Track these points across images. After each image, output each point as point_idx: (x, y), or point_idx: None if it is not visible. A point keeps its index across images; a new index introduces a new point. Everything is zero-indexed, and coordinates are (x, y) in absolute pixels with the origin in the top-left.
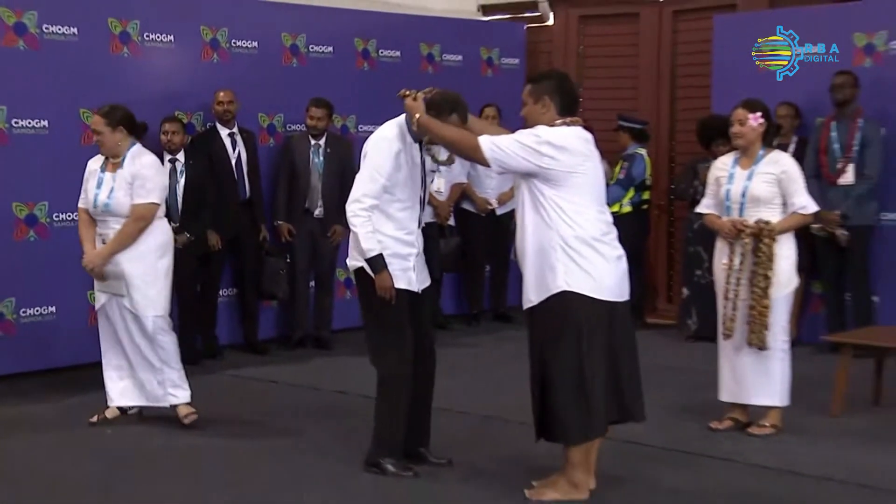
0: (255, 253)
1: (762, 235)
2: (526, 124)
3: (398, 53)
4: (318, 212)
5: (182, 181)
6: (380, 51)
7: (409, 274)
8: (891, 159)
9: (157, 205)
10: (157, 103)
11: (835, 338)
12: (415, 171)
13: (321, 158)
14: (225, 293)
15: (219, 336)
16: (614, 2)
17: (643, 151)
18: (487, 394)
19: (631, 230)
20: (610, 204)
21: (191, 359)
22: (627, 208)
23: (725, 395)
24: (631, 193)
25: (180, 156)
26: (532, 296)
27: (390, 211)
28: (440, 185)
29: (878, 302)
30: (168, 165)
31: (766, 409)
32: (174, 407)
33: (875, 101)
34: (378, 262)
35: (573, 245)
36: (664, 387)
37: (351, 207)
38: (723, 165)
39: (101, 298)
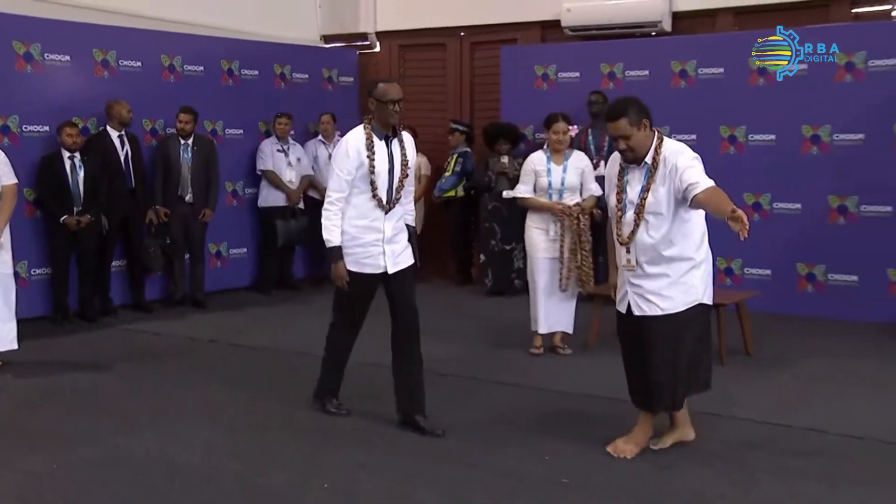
0: (139, 232)
1: (580, 214)
2: (636, 152)
3: (257, 72)
4: (188, 197)
5: (81, 174)
6: (242, 70)
7: (372, 259)
8: None
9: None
10: (56, 111)
11: (592, 291)
12: (381, 165)
13: (189, 155)
14: (118, 264)
15: (112, 298)
16: (426, 35)
17: (468, 149)
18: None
19: (464, 210)
20: (447, 191)
21: (90, 316)
22: (462, 193)
23: (541, 327)
24: (463, 182)
25: (78, 154)
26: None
27: (354, 201)
28: (292, 176)
29: None
30: (69, 161)
31: (566, 336)
32: None
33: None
34: (333, 253)
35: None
36: (476, 329)
37: (324, 205)
38: (539, 161)
39: None
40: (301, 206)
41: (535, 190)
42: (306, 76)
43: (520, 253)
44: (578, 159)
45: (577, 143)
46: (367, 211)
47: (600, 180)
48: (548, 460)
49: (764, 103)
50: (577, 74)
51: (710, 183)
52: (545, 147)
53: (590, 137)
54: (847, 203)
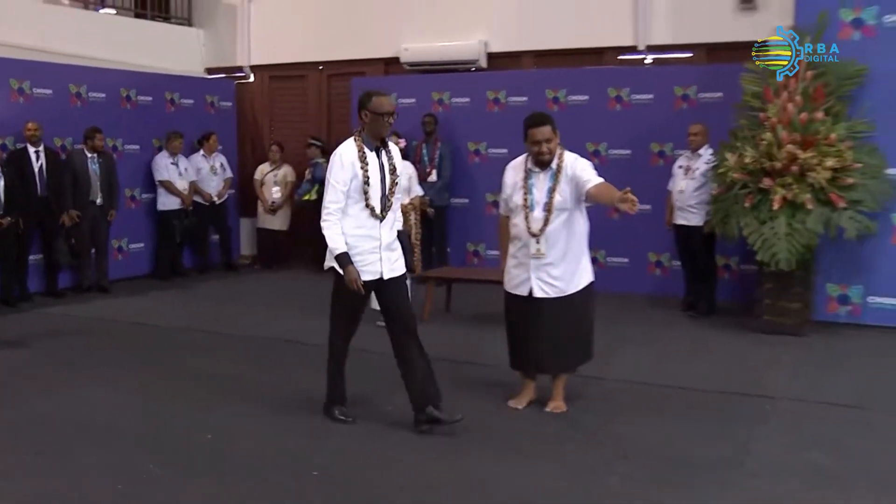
0: (51, 232)
1: (411, 211)
2: (550, 155)
3: (150, 98)
4: (98, 200)
5: (2, 183)
6: (138, 97)
7: (370, 266)
8: (457, 165)
9: None
10: None
11: (426, 273)
12: (374, 175)
13: (96, 165)
14: (35, 257)
15: (30, 286)
16: (291, 68)
17: (323, 160)
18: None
19: (318, 210)
20: (302, 196)
21: (11, 302)
22: (315, 197)
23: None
24: (317, 187)
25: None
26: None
27: (351, 211)
28: (183, 184)
29: (450, 252)
30: None
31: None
32: None
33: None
34: (342, 259)
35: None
36: (328, 304)
37: (322, 216)
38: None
39: None
40: (190, 207)
41: None
42: (192, 101)
43: None
44: (406, 167)
45: (413, 155)
46: (364, 220)
47: (426, 186)
48: (390, 409)
49: (559, 125)
50: (414, 100)
51: (601, 179)
52: None
53: (423, 150)
54: None
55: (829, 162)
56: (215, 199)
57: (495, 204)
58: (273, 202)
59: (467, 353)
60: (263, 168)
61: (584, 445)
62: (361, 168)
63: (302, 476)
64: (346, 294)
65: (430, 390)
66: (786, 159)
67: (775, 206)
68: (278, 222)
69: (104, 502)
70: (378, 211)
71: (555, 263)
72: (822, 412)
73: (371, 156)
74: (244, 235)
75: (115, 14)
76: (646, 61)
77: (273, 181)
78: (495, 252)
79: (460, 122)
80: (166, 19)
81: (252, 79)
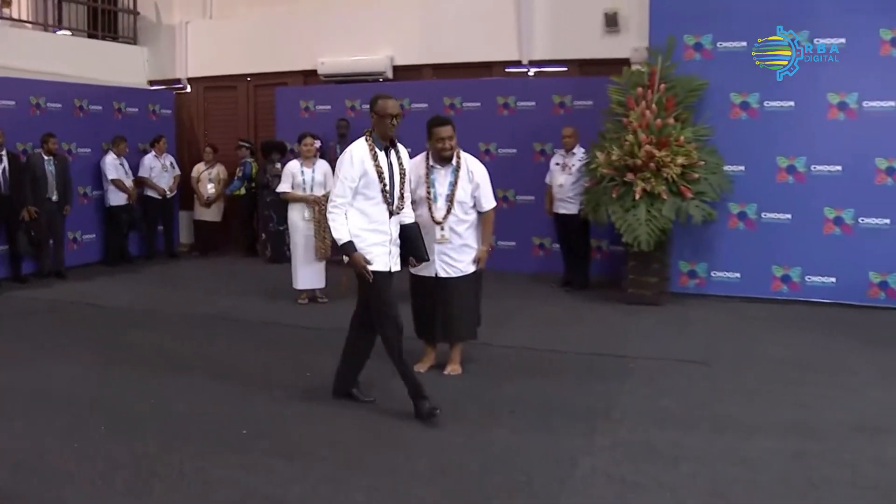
0: (14, 226)
1: (325, 202)
2: (452, 151)
3: (100, 107)
4: (54, 198)
5: None
6: (90, 106)
7: (380, 259)
8: None
9: None
10: None
11: (340, 257)
12: (387, 173)
13: (52, 167)
14: (1, 248)
15: None
16: (223, 80)
17: (251, 160)
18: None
19: (250, 203)
20: (233, 191)
21: None
22: (243, 192)
23: (302, 284)
24: (245, 184)
25: None
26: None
27: (364, 208)
28: (129, 182)
29: None
30: None
31: (321, 291)
32: None
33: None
34: (348, 247)
35: None
36: (259, 287)
37: (328, 208)
38: (294, 166)
39: None
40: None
41: (293, 186)
42: (136, 110)
43: (289, 231)
44: (322, 164)
45: (328, 154)
46: (376, 215)
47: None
48: (308, 376)
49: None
50: (329, 107)
51: (493, 204)
52: (300, 156)
53: (338, 150)
54: (507, 194)
55: (680, 160)
56: (167, 193)
57: None
58: (208, 197)
59: None
60: (199, 167)
61: (477, 402)
62: (375, 166)
63: (232, 433)
64: (376, 288)
65: (358, 373)
66: (645, 157)
67: (637, 197)
68: (212, 214)
69: (61, 459)
70: (392, 207)
71: (455, 247)
72: (674, 368)
73: (381, 155)
74: (183, 226)
75: (70, 35)
76: (529, 73)
77: (208, 178)
78: None
79: (370, 126)
80: (115, 39)
81: (189, 89)
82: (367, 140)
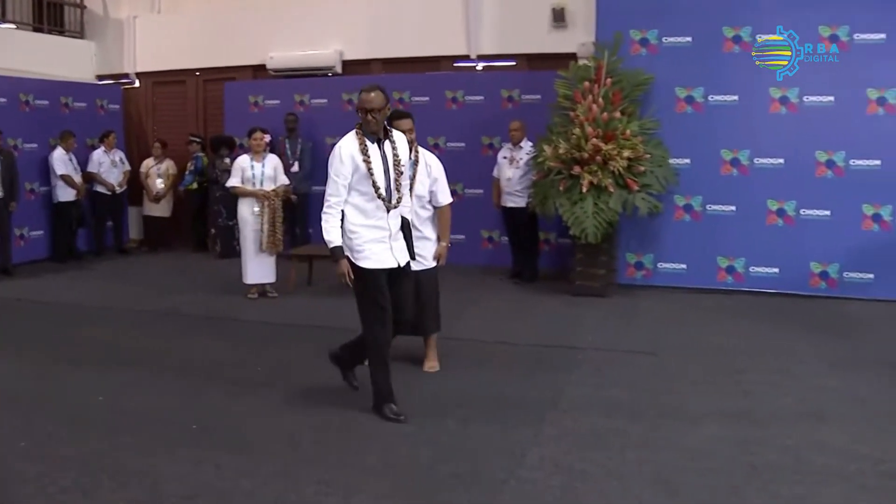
0: None
1: (275, 197)
2: (412, 145)
3: (47, 102)
4: (0, 194)
5: None
6: (36, 101)
7: (383, 255)
8: (315, 159)
9: None
10: None
11: (292, 251)
12: (377, 166)
13: None
14: None
15: None
16: (172, 74)
17: (203, 154)
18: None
19: (200, 197)
20: (186, 186)
21: None
22: (195, 186)
23: (251, 279)
24: (198, 178)
25: None
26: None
27: (359, 203)
28: (78, 178)
29: (311, 232)
30: None
31: (271, 286)
32: None
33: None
34: (335, 252)
35: None
36: (210, 282)
37: (323, 209)
38: (244, 161)
39: None
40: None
41: (243, 181)
42: (84, 105)
43: (238, 226)
44: (272, 158)
45: (278, 149)
46: (371, 211)
47: (290, 176)
48: (259, 370)
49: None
50: (278, 101)
51: (450, 199)
52: (250, 151)
53: (287, 144)
54: (456, 188)
55: (626, 153)
56: (117, 189)
57: None
58: (157, 192)
59: (327, 319)
60: (148, 162)
61: (427, 395)
62: (364, 160)
63: (182, 428)
64: (365, 288)
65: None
66: (591, 150)
67: (584, 190)
68: (162, 210)
69: (9, 458)
70: (387, 201)
71: (419, 241)
72: (621, 358)
73: (373, 147)
74: (132, 222)
75: (15, 28)
76: (477, 68)
77: (157, 174)
78: None
79: (319, 120)
80: (61, 33)
81: (137, 84)
82: (357, 133)
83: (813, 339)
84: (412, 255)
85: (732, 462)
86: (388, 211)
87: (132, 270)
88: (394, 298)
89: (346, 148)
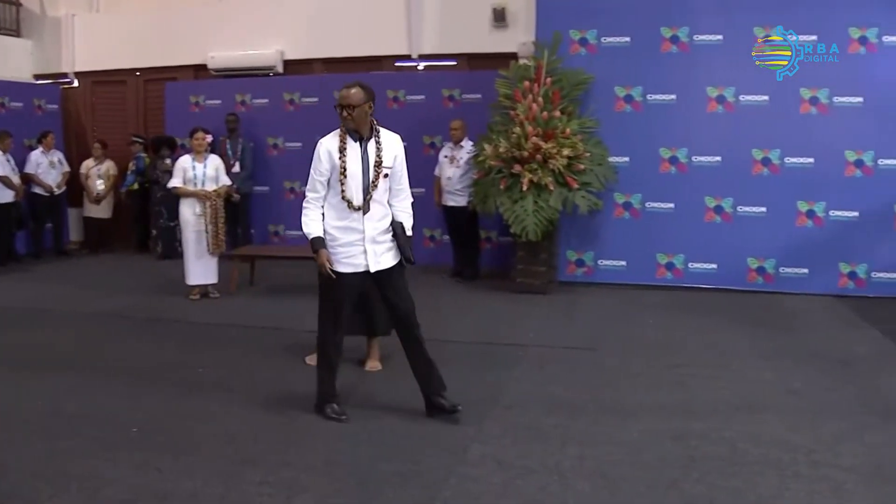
0: None
1: (217, 198)
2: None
3: None
4: None
5: None
6: None
7: (353, 259)
8: (257, 159)
9: None
10: None
11: (234, 252)
12: (353, 166)
13: None
14: None
15: None
16: (112, 74)
17: (144, 155)
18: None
19: (142, 198)
20: (128, 186)
21: None
22: (136, 187)
23: (193, 280)
24: (139, 179)
25: None
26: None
27: (335, 204)
28: (16, 179)
29: (253, 233)
30: None
31: (214, 287)
32: None
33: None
34: (314, 243)
35: None
36: (151, 284)
37: (302, 205)
38: (186, 161)
39: None
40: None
41: (185, 181)
42: (21, 104)
43: (180, 227)
44: (214, 159)
45: (218, 149)
46: (344, 212)
47: (232, 176)
48: (201, 371)
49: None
50: (219, 101)
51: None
52: (191, 151)
53: (227, 144)
54: None
55: (566, 151)
56: (55, 190)
57: (292, 191)
58: (97, 193)
59: (269, 319)
60: (88, 163)
61: (370, 393)
62: (340, 158)
63: (122, 432)
64: (328, 288)
65: (432, 380)
66: (532, 149)
67: (524, 188)
68: (102, 211)
69: None
70: (355, 203)
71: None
72: (562, 355)
73: (353, 146)
74: (72, 223)
75: None
76: (418, 68)
77: (97, 175)
78: (294, 232)
79: (261, 120)
80: None
81: (76, 84)
82: (340, 131)
83: (749, 333)
84: (408, 260)
85: (670, 455)
86: (362, 213)
87: (72, 272)
88: (386, 298)
89: (325, 145)
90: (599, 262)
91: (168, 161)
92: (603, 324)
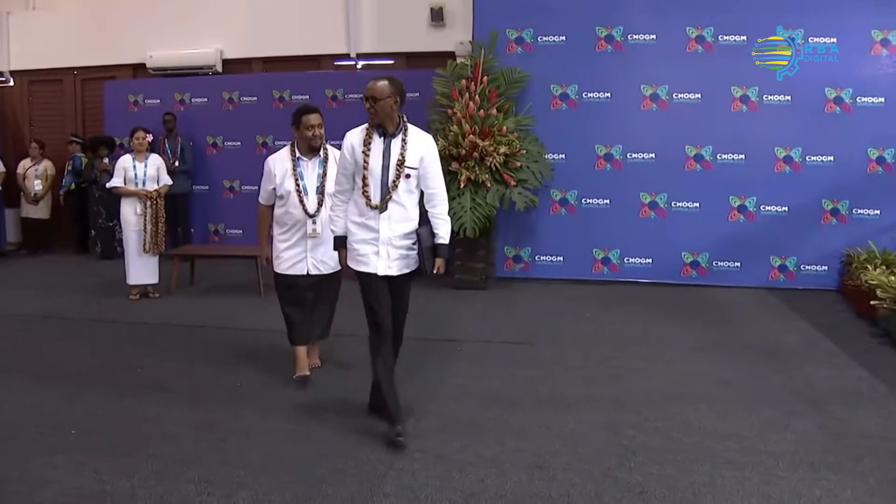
0: None
1: (158, 197)
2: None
3: None
4: None
5: None
6: None
7: (365, 259)
8: (196, 158)
9: None
10: None
11: (174, 251)
12: (374, 163)
13: None
14: None
15: None
16: (48, 73)
17: (81, 154)
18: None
19: (81, 198)
20: (66, 187)
21: None
22: (75, 187)
23: (134, 280)
24: (76, 179)
25: None
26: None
27: (356, 197)
28: None
29: (193, 232)
30: None
31: (154, 286)
32: None
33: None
34: (335, 241)
35: None
36: (90, 284)
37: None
38: (126, 161)
39: None
40: None
41: (125, 181)
42: None
43: (119, 227)
44: (155, 158)
45: (157, 148)
46: (363, 209)
47: (176, 176)
48: (140, 371)
49: (284, 122)
50: (158, 101)
51: None
52: (131, 150)
53: (167, 144)
54: None
55: (503, 149)
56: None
57: (231, 189)
58: (35, 194)
59: (210, 319)
60: (25, 163)
61: (309, 391)
62: (363, 153)
63: (60, 434)
64: (361, 287)
65: (380, 401)
66: (469, 147)
67: (461, 185)
68: (41, 211)
69: None
70: (374, 201)
71: (326, 242)
72: (499, 349)
73: (377, 142)
74: (10, 224)
75: None
76: (357, 66)
77: (34, 175)
78: (234, 231)
79: (200, 119)
80: None
81: (12, 83)
82: (367, 126)
83: (684, 326)
84: (424, 271)
85: (606, 445)
86: (379, 212)
87: (10, 273)
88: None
89: (350, 138)
90: (537, 257)
91: (106, 161)
92: (540, 318)
